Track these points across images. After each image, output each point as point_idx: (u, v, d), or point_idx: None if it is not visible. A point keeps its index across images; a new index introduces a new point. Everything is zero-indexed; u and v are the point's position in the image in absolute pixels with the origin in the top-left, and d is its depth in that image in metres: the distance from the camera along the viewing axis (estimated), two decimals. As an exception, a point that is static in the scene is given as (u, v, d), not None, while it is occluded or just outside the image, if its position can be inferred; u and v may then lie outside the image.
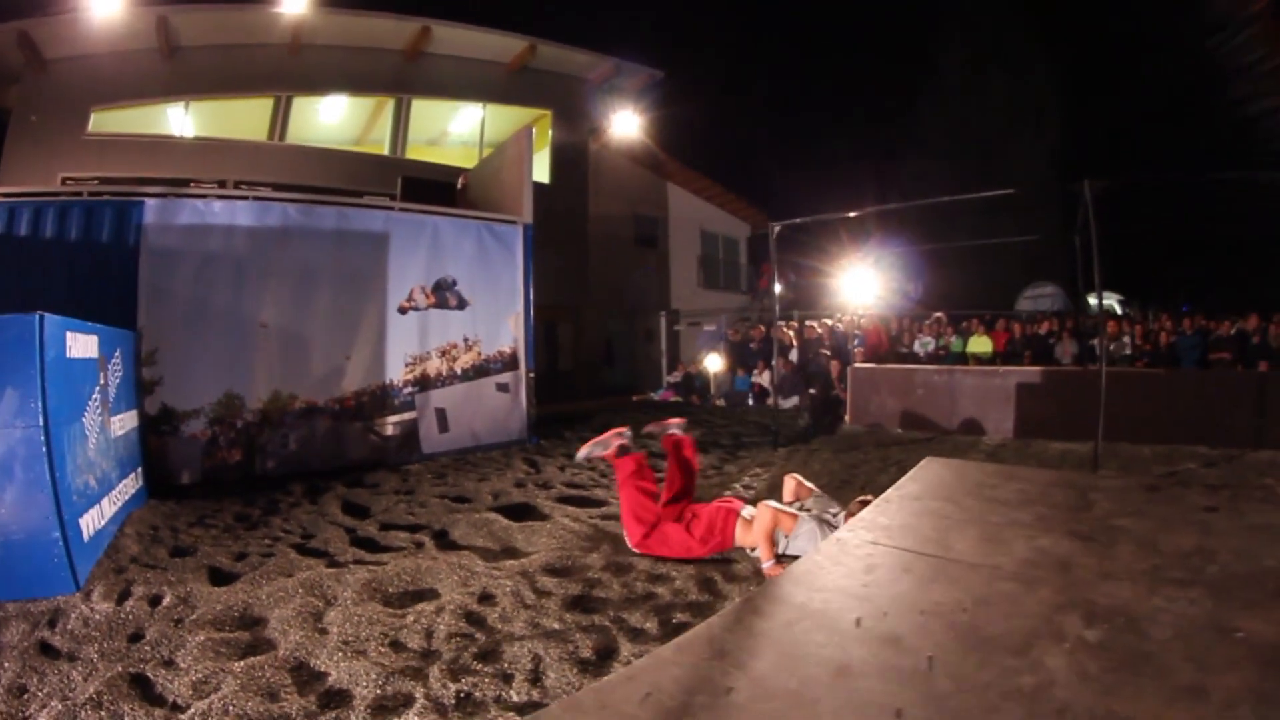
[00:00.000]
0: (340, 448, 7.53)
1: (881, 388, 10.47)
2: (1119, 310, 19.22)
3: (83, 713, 2.58)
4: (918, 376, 10.29)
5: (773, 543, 3.95)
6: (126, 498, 5.29)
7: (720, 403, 13.42)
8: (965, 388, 9.84)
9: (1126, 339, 12.39)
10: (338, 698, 2.67)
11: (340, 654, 2.99)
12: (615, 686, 1.81)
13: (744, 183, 24.60)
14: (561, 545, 4.51)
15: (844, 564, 2.41)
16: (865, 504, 3.73)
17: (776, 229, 9.77)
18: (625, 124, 18.04)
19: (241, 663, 2.92)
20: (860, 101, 39.90)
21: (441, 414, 8.30)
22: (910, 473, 3.81)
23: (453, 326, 8.50)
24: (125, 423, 5.63)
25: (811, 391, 11.85)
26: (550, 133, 18.31)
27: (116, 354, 5.52)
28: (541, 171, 17.56)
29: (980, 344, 12.89)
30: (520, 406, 9.03)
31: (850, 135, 36.54)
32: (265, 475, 7.02)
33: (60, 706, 2.63)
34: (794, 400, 12.10)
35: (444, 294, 8.42)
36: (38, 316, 3.85)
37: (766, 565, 3.86)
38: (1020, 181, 24.69)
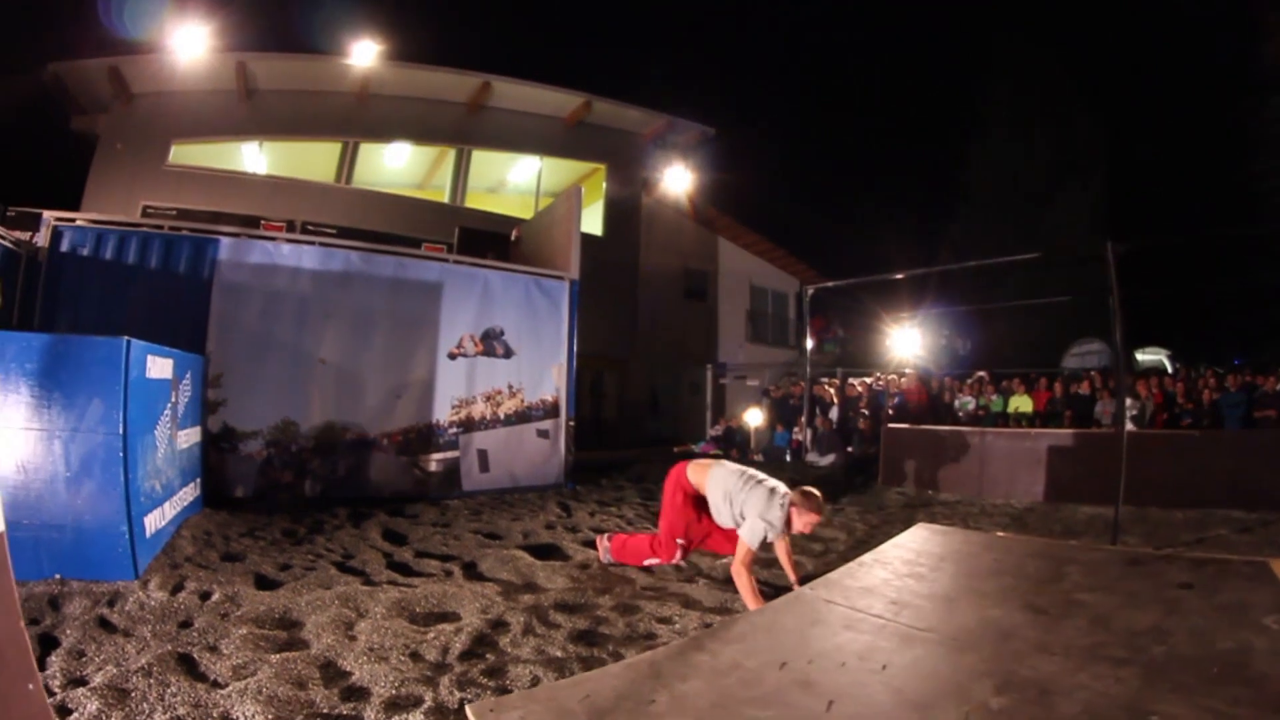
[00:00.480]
0: (385, 479, 7.97)
1: (913, 449, 10.50)
2: (1168, 366, 18.82)
3: (134, 679, 2.98)
4: (949, 438, 10.25)
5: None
6: (186, 504, 5.81)
7: (759, 458, 13.59)
8: (996, 450, 9.80)
9: (1148, 398, 11.99)
10: (357, 693, 3.02)
11: (365, 658, 3.34)
12: (564, 688, 2.15)
13: (793, 238, 24.82)
14: (577, 585, 4.80)
15: (793, 616, 2.68)
16: (806, 495, 4.32)
17: (810, 291, 10.06)
18: (677, 179, 18.56)
19: (277, 655, 3.30)
20: (910, 158, 40.30)
21: (483, 455, 8.71)
22: (897, 538, 4.04)
23: (498, 373, 8.96)
24: (190, 437, 6.17)
25: (849, 450, 12.02)
26: (604, 185, 18.89)
27: (187, 376, 6.08)
28: (595, 223, 18.17)
29: (1021, 403, 12.81)
30: (559, 452, 9.39)
31: (900, 192, 36.88)
32: (314, 497, 7.47)
33: (115, 671, 3.04)
34: (830, 458, 12.26)
35: (491, 343, 8.89)
36: (125, 341, 4.40)
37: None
38: (1065, 237, 24.84)
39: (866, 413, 13.13)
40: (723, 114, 31.89)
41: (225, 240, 7.59)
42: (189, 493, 5.96)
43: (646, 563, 5.10)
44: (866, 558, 3.68)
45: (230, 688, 2.95)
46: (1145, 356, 21.16)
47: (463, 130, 17.48)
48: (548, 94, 17.62)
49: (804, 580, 4.38)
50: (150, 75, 14.34)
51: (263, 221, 11.37)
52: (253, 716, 2.74)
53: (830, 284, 15.84)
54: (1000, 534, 6.20)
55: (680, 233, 20.78)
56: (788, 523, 4.43)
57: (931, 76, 43.15)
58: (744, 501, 4.57)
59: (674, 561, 4.95)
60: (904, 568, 3.27)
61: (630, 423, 17.98)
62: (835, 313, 22.53)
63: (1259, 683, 2.12)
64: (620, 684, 2.04)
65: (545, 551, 5.74)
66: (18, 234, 7.54)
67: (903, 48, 44.81)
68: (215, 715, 2.76)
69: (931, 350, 20.15)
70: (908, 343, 15.54)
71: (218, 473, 7.04)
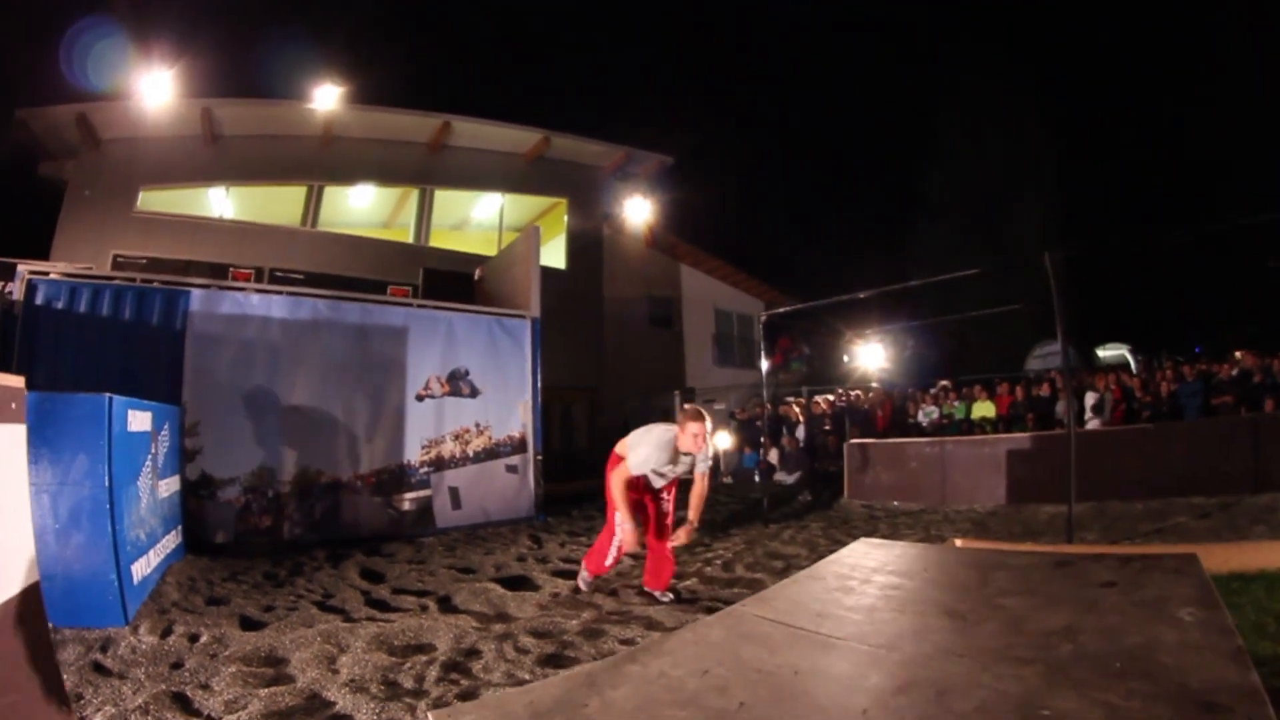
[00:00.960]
0: (361, 519, 8.26)
1: (876, 462, 10.91)
2: (1130, 361, 19.27)
3: (132, 717, 3.25)
4: (910, 449, 10.73)
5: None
6: (169, 551, 6.07)
7: (728, 479, 13.93)
8: (957, 458, 10.21)
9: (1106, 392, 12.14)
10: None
11: (347, 689, 3.61)
12: (513, 695, 2.47)
13: (756, 261, 25.40)
14: (546, 613, 5.10)
15: (722, 630, 2.97)
16: (683, 410, 4.93)
17: (763, 317, 10.47)
18: (637, 209, 19.00)
19: (265, 690, 3.57)
20: (867, 173, 41.48)
21: (455, 492, 9.01)
22: (837, 553, 4.34)
23: (465, 412, 9.29)
24: (170, 486, 6.44)
25: (815, 466, 12.40)
26: (565, 219, 19.38)
27: (165, 426, 6.36)
28: (558, 257, 18.59)
29: (984, 409, 13.13)
30: (529, 486, 9.71)
31: (861, 207, 37.92)
32: (293, 540, 7.75)
33: (114, 710, 3.30)
34: (797, 475, 12.64)
35: (458, 383, 9.22)
36: (108, 398, 4.69)
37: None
38: (1023, 244, 25.80)
39: (829, 429, 13.50)
40: (681, 142, 32.78)
41: (196, 292, 7.89)
42: (171, 540, 6.21)
43: (608, 562, 5.31)
44: (802, 574, 3.97)
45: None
46: (1107, 353, 21.77)
47: (425, 170, 17.86)
48: (506, 131, 18.07)
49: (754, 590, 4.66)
50: (117, 121, 14.57)
51: (231, 270, 11.67)
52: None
53: (783, 310, 16.30)
54: (941, 544, 6.51)
55: (642, 262, 21.18)
56: (675, 447, 4.92)
57: (885, 92, 44.53)
58: (639, 441, 5.04)
59: (627, 547, 5.05)
60: (835, 582, 3.54)
61: (603, 451, 18.12)
62: (800, 332, 22.95)
63: (1159, 675, 2.17)
64: (560, 692, 2.34)
65: (516, 583, 6.01)
66: None
67: (857, 65, 46.15)
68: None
69: (899, 362, 20.70)
70: (872, 357, 16.03)
71: (198, 519, 7.29)
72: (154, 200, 15.42)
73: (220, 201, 16.37)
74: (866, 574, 3.64)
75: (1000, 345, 22.56)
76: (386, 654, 4.17)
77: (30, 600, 2.34)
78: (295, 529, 7.82)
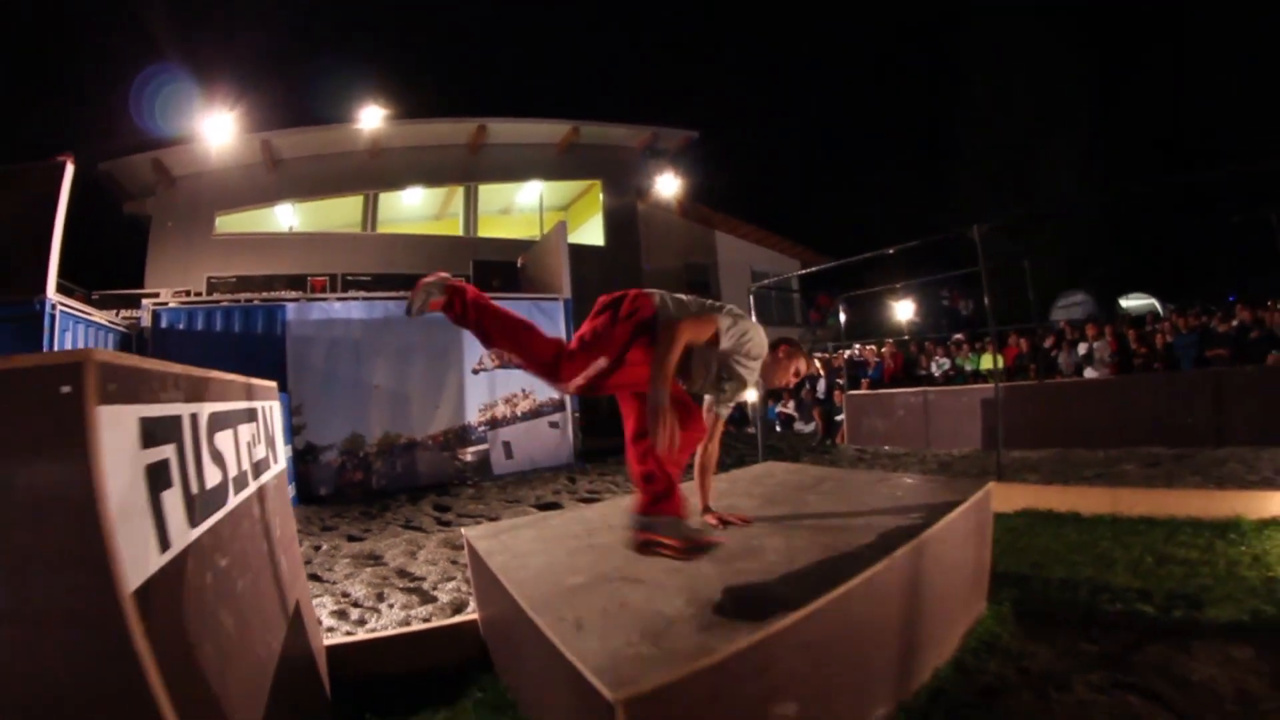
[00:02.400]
0: (432, 470, 10.36)
1: (870, 411, 12.23)
2: (1159, 310, 19.65)
3: (298, 583, 5.31)
4: (898, 399, 11.86)
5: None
6: (290, 498, 8.23)
7: (752, 430, 15.54)
8: (939, 407, 11.21)
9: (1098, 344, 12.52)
10: (418, 580, 5.25)
11: (424, 566, 5.59)
12: (511, 525, 4.36)
13: (789, 222, 26.65)
14: (566, 524, 7.04)
15: (607, 507, 4.68)
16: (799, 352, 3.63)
17: (761, 283, 12.04)
18: (668, 183, 20.76)
19: (369, 569, 5.55)
20: (896, 127, 42.10)
21: (507, 445, 11.03)
22: (747, 468, 5.98)
23: (513, 381, 11.27)
24: (287, 452, 8.56)
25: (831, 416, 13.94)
26: (601, 198, 21.18)
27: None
28: (596, 234, 20.50)
29: (989, 361, 13.67)
30: (568, 439, 11.67)
31: (892, 161, 38.64)
32: (380, 490, 9.94)
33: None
34: (812, 425, 14.27)
35: (507, 359, 11.17)
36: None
37: None
38: (1048, 194, 26.52)
39: (842, 382, 14.91)
40: (707, 114, 34.35)
41: (290, 305, 10.07)
42: (290, 490, 8.35)
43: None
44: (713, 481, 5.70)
45: (344, 583, 5.22)
46: (1131, 303, 21.97)
47: (468, 169, 19.89)
48: (538, 126, 20.01)
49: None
50: (187, 160, 16.93)
51: (310, 279, 13.83)
52: (360, 591, 4.99)
53: (815, 269, 17.83)
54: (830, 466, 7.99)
55: (677, 232, 22.92)
56: (761, 369, 3.60)
57: (909, 44, 45.01)
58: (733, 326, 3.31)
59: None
60: (723, 484, 5.10)
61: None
62: (838, 288, 24.13)
63: (874, 529, 3.25)
64: (524, 523, 4.21)
65: (549, 506, 7.92)
66: (108, 314, 9.97)
67: (879, 23, 46.64)
68: (338, 591, 5.01)
69: (931, 315, 21.82)
70: (903, 310, 17.39)
71: (305, 478, 9.53)
72: (229, 223, 17.81)
73: (287, 216, 18.66)
74: (747, 482, 5.21)
75: (1030, 294, 23.27)
76: (450, 549, 6.12)
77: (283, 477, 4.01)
78: (381, 480, 9.96)
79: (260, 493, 2.64)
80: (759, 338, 3.30)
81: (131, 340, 9.60)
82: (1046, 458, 8.80)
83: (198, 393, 1.98)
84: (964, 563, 3.61)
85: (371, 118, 17.50)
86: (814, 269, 18.20)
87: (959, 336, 15.62)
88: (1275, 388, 8.42)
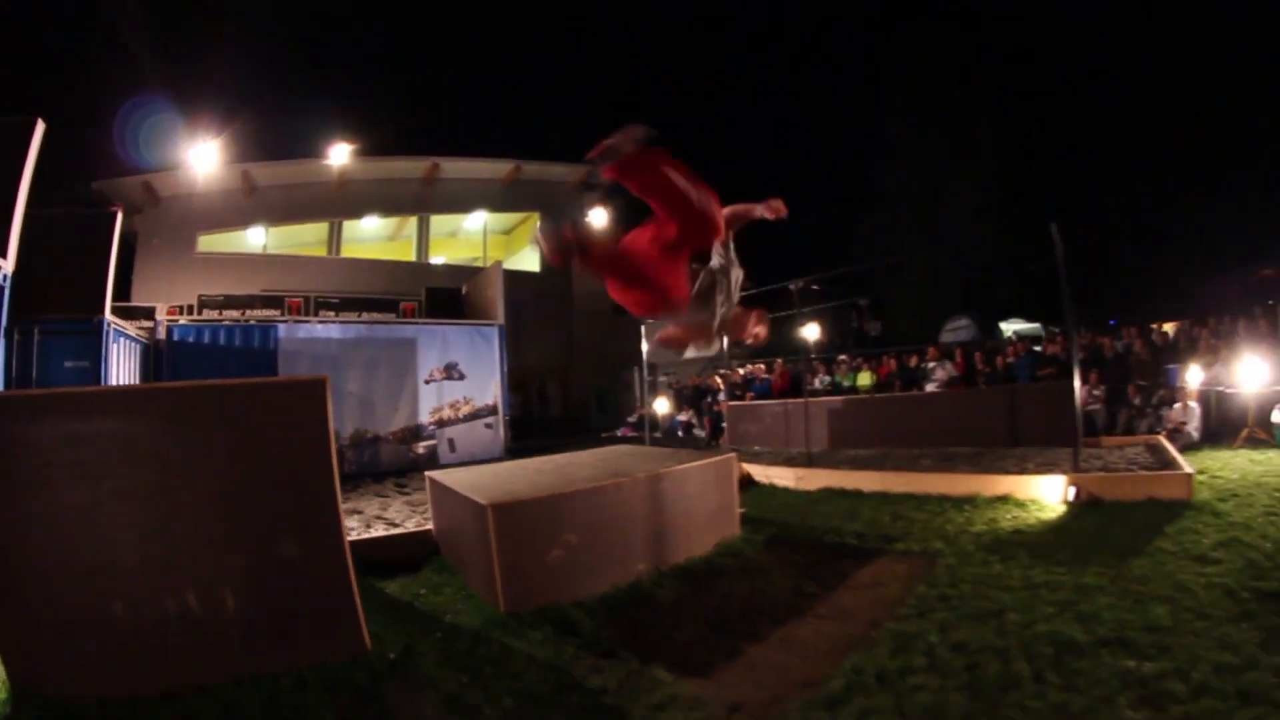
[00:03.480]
0: (392, 460, 13.23)
1: (745, 418, 14.94)
2: (1043, 333, 21.65)
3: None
4: (765, 409, 14.46)
5: None
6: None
7: (659, 435, 18.35)
8: (795, 415, 13.16)
9: (946, 365, 14.95)
10: (390, 519, 8.21)
11: (393, 514, 8.54)
12: (474, 470, 7.38)
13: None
14: (494, 468, 10.06)
15: (527, 461, 7.81)
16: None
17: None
18: (600, 215, 23.91)
19: (355, 518, 8.48)
20: (819, 163, 46.41)
21: (451, 441, 13.98)
22: (612, 447, 9.13)
23: (457, 390, 14.24)
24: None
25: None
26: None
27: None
28: (534, 262, 23.53)
29: (864, 378, 16.59)
30: (499, 437, 14.67)
31: (812, 197, 42.78)
32: (351, 474, 12.66)
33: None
34: (708, 431, 17.35)
35: (451, 371, 14.18)
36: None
37: None
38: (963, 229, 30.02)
39: (738, 395, 17.82)
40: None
41: (281, 325, 12.94)
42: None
43: None
44: (570, 456, 8.80)
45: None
46: (1014, 327, 24.72)
47: (422, 200, 22.84)
48: (484, 164, 23.09)
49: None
50: (174, 183, 19.48)
51: (287, 299, 16.67)
52: (352, 524, 7.91)
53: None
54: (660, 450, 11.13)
55: (607, 259, 25.78)
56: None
57: (834, 82, 49.59)
58: None
59: None
60: (585, 456, 8.20)
61: (575, 419, 23.06)
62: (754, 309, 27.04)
63: (624, 471, 6.91)
64: (473, 470, 7.22)
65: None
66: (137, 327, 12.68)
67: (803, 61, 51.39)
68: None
69: (842, 335, 24.90)
70: (810, 332, 20.46)
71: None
72: (209, 243, 20.40)
73: (260, 238, 21.36)
74: (582, 456, 8.28)
75: (934, 318, 26.14)
76: (410, 507, 9.07)
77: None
78: (351, 466, 12.81)
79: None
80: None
81: (150, 350, 12.33)
82: (871, 454, 11.03)
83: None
84: (706, 497, 6.69)
85: (339, 154, 20.31)
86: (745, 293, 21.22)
87: (842, 357, 18.33)
88: (1054, 400, 10.28)
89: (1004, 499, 7.92)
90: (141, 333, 12.49)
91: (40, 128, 8.46)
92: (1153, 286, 24.42)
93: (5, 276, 6.96)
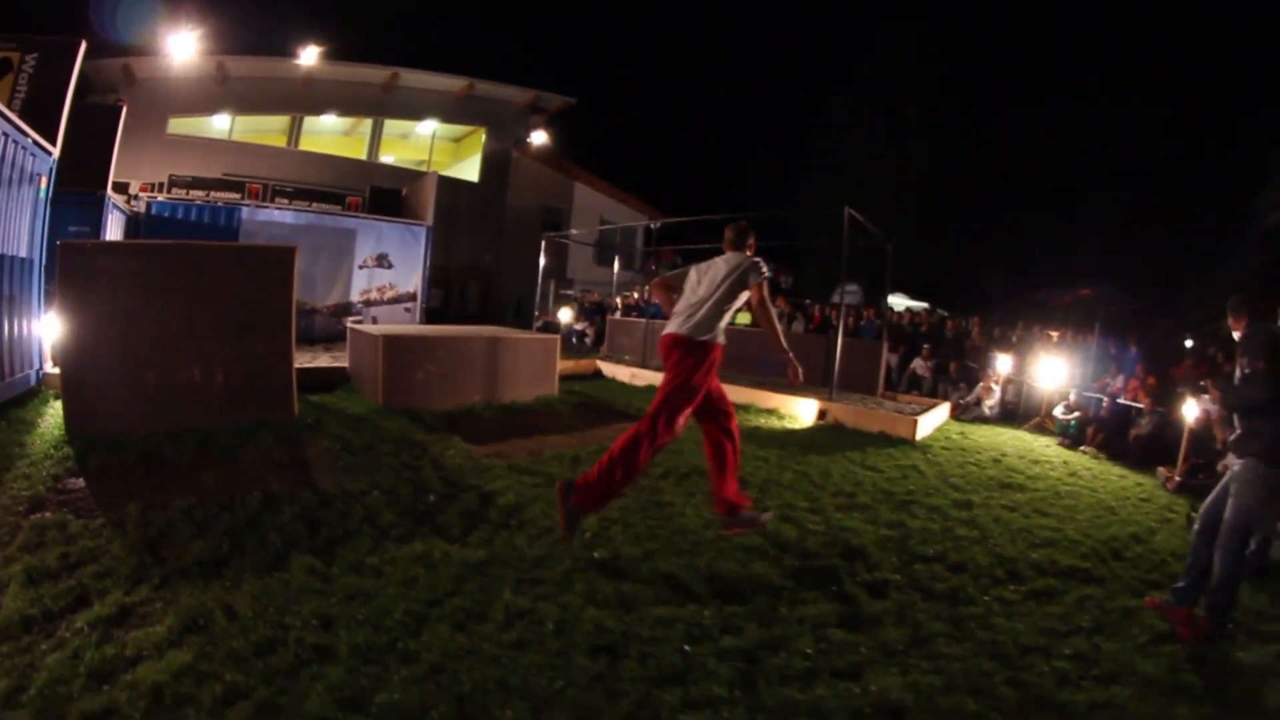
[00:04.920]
0: (325, 330, 16.37)
1: (620, 332, 18.47)
2: (927, 309, 24.82)
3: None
4: (635, 326, 17.61)
5: None
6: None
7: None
8: (656, 332, 17.81)
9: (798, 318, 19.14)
10: (318, 364, 11.51)
11: (321, 363, 11.81)
12: None
13: (642, 184, 32.97)
14: (406, 329, 13.35)
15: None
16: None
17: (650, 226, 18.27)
18: (541, 138, 26.99)
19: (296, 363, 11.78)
20: (755, 118, 50.17)
21: (374, 318, 17.13)
22: (478, 325, 12.51)
23: (385, 277, 17.37)
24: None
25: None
26: (483, 142, 27.14)
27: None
28: (474, 172, 26.52)
29: (743, 317, 20.09)
30: (415, 320, 17.77)
31: (745, 148, 46.58)
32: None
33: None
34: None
35: (382, 260, 17.30)
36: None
37: None
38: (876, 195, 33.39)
39: (636, 314, 21.11)
40: (589, 85, 41.24)
41: (244, 208, 15.91)
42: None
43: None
44: (453, 326, 12.15)
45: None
46: (903, 302, 27.71)
47: (379, 104, 25.59)
48: (441, 79, 25.79)
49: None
50: (151, 67, 21.88)
51: (248, 184, 19.54)
52: (295, 362, 11.16)
53: (660, 222, 24.11)
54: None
55: (542, 179, 28.75)
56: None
57: (777, 43, 53.53)
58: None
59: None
60: (451, 327, 11.64)
61: (492, 318, 25.33)
62: (677, 244, 29.21)
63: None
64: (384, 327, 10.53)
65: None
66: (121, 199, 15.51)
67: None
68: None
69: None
70: None
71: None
72: (179, 125, 22.97)
73: (226, 124, 23.96)
74: (474, 328, 11.77)
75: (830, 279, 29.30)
76: (332, 359, 12.31)
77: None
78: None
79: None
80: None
81: (132, 223, 15.08)
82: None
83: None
84: (533, 362, 10.27)
85: (309, 54, 22.81)
86: (654, 223, 24.49)
87: None
88: (866, 355, 13.44)
89: (772, 411, 11.05)
90: (124, 204, 15.22)
91: (83, 47, 10.85)
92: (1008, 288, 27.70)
93: (55, 161, 9.68)
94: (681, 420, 4.75)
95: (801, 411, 10.88)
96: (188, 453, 6.20)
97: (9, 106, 9.18)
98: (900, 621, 4.01)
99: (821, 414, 10.76)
